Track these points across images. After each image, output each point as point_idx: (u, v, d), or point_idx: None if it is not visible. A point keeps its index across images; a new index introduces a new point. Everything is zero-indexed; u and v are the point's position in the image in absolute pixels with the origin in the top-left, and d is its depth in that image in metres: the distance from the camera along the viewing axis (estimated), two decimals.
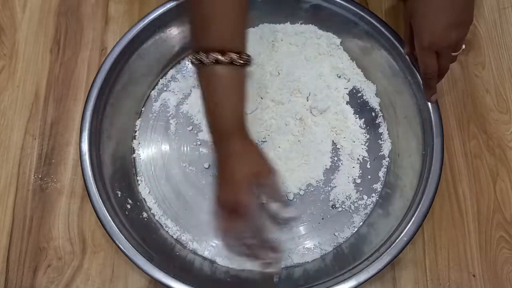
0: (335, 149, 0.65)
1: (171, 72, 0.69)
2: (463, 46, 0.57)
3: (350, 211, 0.63)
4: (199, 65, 0.50)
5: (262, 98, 0.66)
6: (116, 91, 0.63)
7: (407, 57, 0.61)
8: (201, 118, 0.66)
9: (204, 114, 0.53)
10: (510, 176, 0.64)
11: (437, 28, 0.53)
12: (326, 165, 0.64)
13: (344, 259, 0.59)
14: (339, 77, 0.68)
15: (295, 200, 0.63)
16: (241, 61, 0.49)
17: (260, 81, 0.66)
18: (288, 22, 0.69)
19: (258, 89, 0.66)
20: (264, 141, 0.65)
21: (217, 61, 0.49)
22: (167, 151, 0.65)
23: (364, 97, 0.67)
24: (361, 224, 0.62)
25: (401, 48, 0.62)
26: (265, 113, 0.66)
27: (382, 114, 0.67)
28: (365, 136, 0.66)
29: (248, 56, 0.51)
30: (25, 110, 0.67)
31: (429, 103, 0.60)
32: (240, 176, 0.50)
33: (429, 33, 0.53)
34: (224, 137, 0.52)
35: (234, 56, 0.49)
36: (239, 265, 0.60)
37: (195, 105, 0.67)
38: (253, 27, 0.68)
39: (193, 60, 0.50)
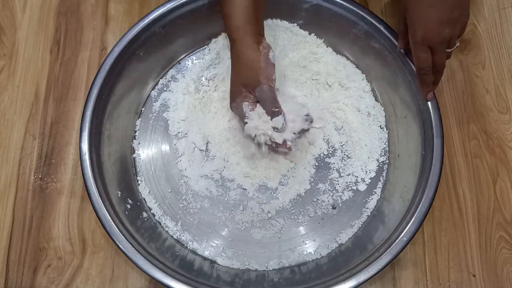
0: (335, 150, 0.65)
1: (171, 72, 0.69)
2: (458, 43, 0.57)
3: (351, 211, 0.63)
4: None
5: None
6: (116, 91, 0.63)
7: (401, 51, 0.61)
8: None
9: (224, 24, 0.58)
10: (510, 176, 0.64)
11: (429, 24, 0.53)
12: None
13: (344, 259, 0.59)
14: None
15: (297, 199, 0.63)
16: None
17: None
18: (288, 22, 0.69)
19: None
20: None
21: None
22: (167, 151, 0.65)
23: (364, 98, 0.67)
24: (361, 224, 0.62)
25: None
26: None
27: (383, 114, 0.67)
28: (365, 137, 0.66)
29: None
30: (25, 110, 0.67)
31: (429, 103, 0.60)
32: (233, 84, 0.58)
33: (422, 28, 0.54)
34: (233, 40, 0.57)
35: None
36: (240, 265, 0.60)
37: (195, 105, 0.67)
38: None
39: None
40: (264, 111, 0.58)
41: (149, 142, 0.66)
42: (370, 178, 0.64)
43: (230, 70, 0.59)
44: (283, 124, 0.58)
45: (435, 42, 0.54)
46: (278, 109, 0.57)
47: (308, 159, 0.65)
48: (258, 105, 0.58)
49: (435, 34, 0.53)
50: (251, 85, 0.57)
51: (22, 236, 0.62)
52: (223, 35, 0.69)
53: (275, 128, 0.58)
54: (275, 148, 0.60)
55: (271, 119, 0.58)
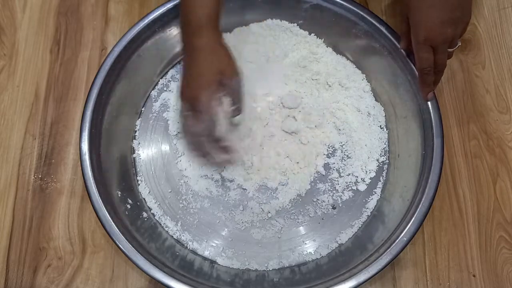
0: (335, 150, 0.65)
1: (171, 72, 0.69)
2: (459, 43, 0.57)
3: (351, 211, 0.63)
4: None
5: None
6: (116, 91, 0.63)
7: (402, 51, 0.61)
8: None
9: (180, 19, 0.57)
10: (510, 176, 0.64)
11: (432, 23, 0.53)
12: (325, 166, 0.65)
13: (344, 259, 0.59)
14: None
15: (297, 199, 0.63)
16: None
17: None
18: (288, 22, 0.69)
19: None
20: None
21: None
22: (167, 151, 0.65)
23: (364, 98, 0.67)
24: (361, 224, 0.62)
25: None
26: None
27: (383, 114, 0.67)
28: (365, 137, 0.66)
29: None
30: (25, 110, 0.67)
31: (429, 103, 0.60)
32: (205, 73, 0.54)
33: (424, 28, 0.54)
34: (193, 33, 0.55)
35: None
36: (240, 265, 0.60)
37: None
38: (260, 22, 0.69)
39: None
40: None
41: (149, 142, 0.66)
42: (370, 178, 0.64)
43: (188, 60, 0.56)
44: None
45: (437, 42, 0.54)
46: (240, 106, 0.58)
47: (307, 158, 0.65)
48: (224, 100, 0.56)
49: (437, 34, 0.53)
50: (228, 75, 0.55)
51: (22, 236, 0.62)
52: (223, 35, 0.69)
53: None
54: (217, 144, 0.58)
55: (231, 114, 0.57)
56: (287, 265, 0.60)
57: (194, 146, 0.59)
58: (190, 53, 0.56)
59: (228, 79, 0.55)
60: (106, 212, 0.56)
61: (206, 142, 0.57)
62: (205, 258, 0.61)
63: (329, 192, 0.63)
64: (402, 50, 0.62)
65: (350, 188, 0.64)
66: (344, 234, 0.61)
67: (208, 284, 0.56)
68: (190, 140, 0.59)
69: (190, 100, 0.55)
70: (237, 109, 0.58)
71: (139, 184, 0.64)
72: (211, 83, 0.54)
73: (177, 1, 0.63)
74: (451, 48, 0.56)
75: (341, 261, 0.59)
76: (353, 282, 0.53)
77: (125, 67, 0.63)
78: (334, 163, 0.65)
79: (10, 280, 0.60)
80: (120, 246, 0.54)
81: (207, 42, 0.55)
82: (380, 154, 0.65)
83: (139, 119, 0.67)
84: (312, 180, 0.64)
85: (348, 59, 0.69)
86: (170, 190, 0.64)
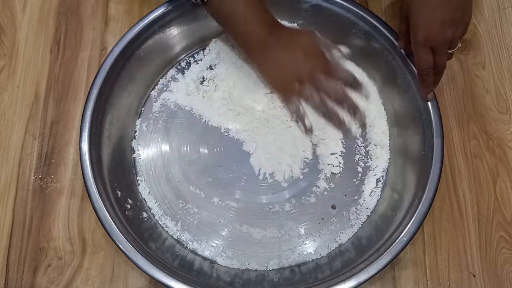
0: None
1: (171, 72, 0.69)
2: (459, 44, 0.56)
3: (351, 211, 0.63)
4: (204, 3, 0.57)
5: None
6: (116, 91, 0.63)
7: (402, 51, 0.61)
8: (200, 117, 0.66)
9: (236, 38, 0.61)
10: (510, 176, 0.64)
11: (432, 24, 0.53)
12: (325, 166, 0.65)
13: (344, 259, 0.59)
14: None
15: (298, 199, 0.63)
16: None
17: None
18: (288, 22, 0.69)
19: None
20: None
21: None
22: (167, 151, 0.66)
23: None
24: (361, 224, 0.62)
25: None
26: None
27: (383, 114, 0.67)
28: (365, 137, 0.66)
29: None
30: (25, 110, 0.67)
31: (429, 103, 0.60)
32: (301, 53, 0.59)
33: (424, 28, 0.53)
34: (266, 46, 0.59)
35: None
36: (240, 265, 0.60)
37: (195, 105, 0.67)
38: None
39: (194, 1, 0.57)
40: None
41: (149, 142, 0.66)
42: (370, 178, 0.64)
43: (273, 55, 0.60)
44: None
45: (437, 43, 0.54)
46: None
47: (305, 158, 0.65)
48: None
49: (437, 35, 0.53)
50: (322, 65, 0.60)
51: (22, 236, 0.62)
52: (223, 35, 0.69)
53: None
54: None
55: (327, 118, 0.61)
56: (287, 265, 0.60)
57: (334, 118, 0.61)
58: (270, 48, 0.59)
59: (318, 50, 0.60)
60: (106, 212, 0.56)
61: (341, 107, 0.60)
62: (205, 258, 0.61)
63: (330, 192, 0.63)
64: (400, 49, 0.62)
65: (350, 188, 0.64)
66: (344, 234, 0.62)
67: (208, 284, 0.56)
68: (328, 113, 0.61)
69: (306, 77, 0.59)
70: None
71: (139, 184, 0.64)
72: (317, 55, 0.60)
73: (177, 1, 0.63)
74: (451, 49, 0.56)
75: (341, 261, 0.59)
76: (353, 282, 0.53)
77: (125, 67, 0.63)
78: (334, 163, 0.65)
79: (10, 280, 0.60)
80: (120, 246, 0.54)
81: (287, 33, 0.60)
82: (380, 154, 0.65)
83: (139, 119, 0.67)
84: (312, 180, 0.64)
85: (348, 59, 0.69)
86: (170, 190, 0.64)
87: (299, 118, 0.62)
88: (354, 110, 0.61)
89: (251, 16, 0.58)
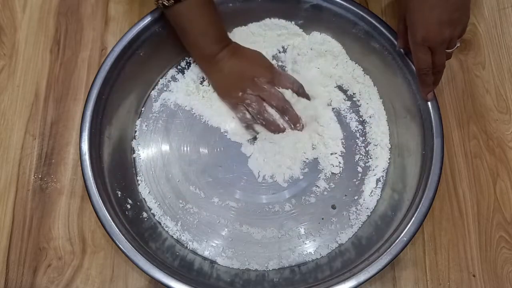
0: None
1: (171, 72, 0.69)
2: (458, 44, 0.56)
3: (351, 211, 0.63)
4: (166, 9, 0.58)
5: None
6: (116, 91, 0.63)
7: (401, 51, 0.61)
8: (200, 117, 0.66)
9: (188, 48, 0.63)
10: (510, 176, 0.64)
11: (430, 24, 0.53)
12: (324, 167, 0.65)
13: (344, 259, 0.59)
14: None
15: (298, 200, 0.63)
16: None
17: None
18: (288, 22, 0.69)
19: None
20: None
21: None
22: (167, 151, 0.66)
23: (364, 97, 0.67)
24: (361, 224, 0.62)
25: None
26: None
27: (383, 114, 0.67)
28: (365, 137, 0.66)
29: None
30: (25, 110, 0.67)
31: (429, 103, 0.60)
32: (247, 65, 0.63)
33: (422, 28, 0.53)
34: (215, 58, 0.62)
35: None
36: (240, 265, 0.60)
37: (195, 105, 0.67)
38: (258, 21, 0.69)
39: (159, 5, 0.58)
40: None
41: (149, 142, 0.66)
42: (370, 178, 0.64)
43: (222, 65, 0.62)
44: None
45: (435, 42, 0.54)
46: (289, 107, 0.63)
47: (306, 159, 0.65)
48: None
49: (435, 35, 0.53)
50: (267, 74, 0.62)
51: (22, 236, 0.62)
52: None
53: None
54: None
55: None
56: (287, 265, 0.60)
57: (271, 125, 0.64)
58: (228, 59, 0.62)
59: (271, 79, 0.63)
60: (106, 212, 0.56)
61: (279, 115, 0.63)
62: (205, 258, 0.61)
63: (330, 192, 0.63)
64: (399, 49, 0.62)
65: (350, 188, 0.64)
66: (344, 234, 0.61)
67: (208, 284, 0.56)
68: (265, 121, 0.63)
69: (249, 85, 0.62)
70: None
71: (139, 184, 0.64)
72: (263, 66, 0.63)
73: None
74: (449, 49, 0.56)
75: (341, 261, 0.59)
76: (353, 282, 0.53)
77: (125, 67, 0.63)
78: (334, 163, 0.65)
79: (10, 280, 0.60)
80: (120, 246, 0.54)
81: (239, 48, 0.64)
82: (380, 154, 0.65)
83: (139, 119, 0.67)
84: (312, 180, 0.64)
85: (348, 59, 0.69)
86: (170, 190, 0.64)
87: (247, 124, 0.64)
88: (294, 121, 0.63)
89: (205, 30, 0.60)
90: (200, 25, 0.60)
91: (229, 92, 0.64)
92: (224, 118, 0.66)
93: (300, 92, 0.65)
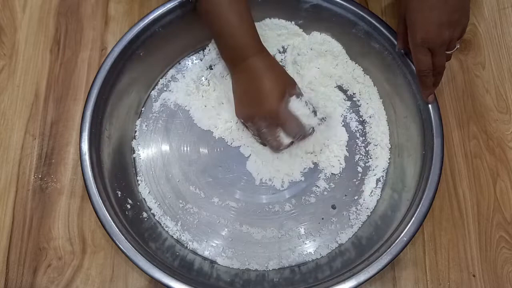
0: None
1: (171, 72, 0.69)
2: (457, 45, 0.56)
3: (351, 211, 0.63)
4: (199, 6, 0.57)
5: None
6: (116, 91, 0.63)
7: (402, 51, 0.61)
8: (200, 117, 0.66)
9: (220, 51, 0.62)
10: (510, 176, 0.64)
11: (429, 25, 0.53)
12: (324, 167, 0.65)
13: (344, 259, 0.59)
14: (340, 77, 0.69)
15: (298, 200, 0.63)
16: None
17: None
18: (288, 22, 0.69)
19: None
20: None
21: None
22: (167, 151, 0.66)
23: (364, 97, 0.67)
24: (361, 224, 0.62)
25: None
26: None
27: (383, 114, 0.67)
28: (365, 137, 0.66)
29: None
30: (25, 110, 0.67)
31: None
32: (275, 87, 0.58)
33: (422, 30, 0.53)
34: (245, 60, 0.58)
35: None
36: (240, 265, 0.60)
37: (195, 105, 0.67)
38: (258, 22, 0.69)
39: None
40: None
41: (149, 142, 0.66)
42: (370, 179, 0.64)
43: (249, 79, 0.59)
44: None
45: (435, 44, 0.54)
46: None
47: (307, 160, 0.65)
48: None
49: (435, 36, 0.53)
50: (292, 85, 0.60)
51: (22, 236, 0.62)
52: None
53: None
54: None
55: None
56: (287, 265, 0.60)
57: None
58: (249, 73, 0.59)
59: (292, 89, 0.59)
60: (106, 212, 0.56)
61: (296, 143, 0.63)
62: (205, 258, 0.61)
63: (330, 191, 0.63)
64: (399, 50, 0.61)
65: (350, 188, 0.64)
66: (344, 234, 0.62)
67: (208, 284, 0.56)
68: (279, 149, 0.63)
69: (269, 115, 0.58)
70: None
71: (139, 184, 0.64)
72: (283, 94, 0.58)
73: (177, 2, 0.63)
74: (449, 51, 0.56)
75: (341, 261, 0.59)
76: (353, 282, 0.53)
77: (125, 67, 0.63)
78: (334, 163, 0.65)
79: (10, 280, 0.60)
80: (120, 246, 0.54)
81: (268, 61, 0.59)
82: (380, 154, 0.65)
83: (139, 119, 0.67)
84: (312, 180, 0.64)
85: (348, 59, 0.69)
86: (170, 190, 0.64)
87: (261, 139, 0.63)
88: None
89: (244, 31, 0.58)
90: (232, 22, 0.57)
91: (242, 112, 0.62)
92: (213, 122, 0.66)
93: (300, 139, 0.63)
